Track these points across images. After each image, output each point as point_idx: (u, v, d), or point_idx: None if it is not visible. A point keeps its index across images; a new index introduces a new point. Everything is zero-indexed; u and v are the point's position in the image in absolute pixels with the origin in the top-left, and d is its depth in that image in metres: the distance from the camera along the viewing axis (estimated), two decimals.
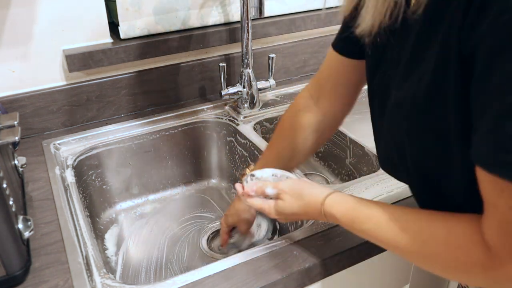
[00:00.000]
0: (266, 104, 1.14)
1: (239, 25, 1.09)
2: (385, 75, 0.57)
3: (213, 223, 1.02)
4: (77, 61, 0.98)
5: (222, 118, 1.10)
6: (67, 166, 0.92)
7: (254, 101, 1.10)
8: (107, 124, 1.05)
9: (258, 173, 0.73)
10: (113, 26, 1.04)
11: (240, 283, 0.64)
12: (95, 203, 1.01)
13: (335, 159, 1.10)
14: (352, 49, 0.66)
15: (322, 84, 0.76)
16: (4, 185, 0.63)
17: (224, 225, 0.89)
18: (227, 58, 1.16)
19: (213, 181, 1.15)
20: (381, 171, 0.89)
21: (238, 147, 1.08)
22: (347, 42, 0.66)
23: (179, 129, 1.08)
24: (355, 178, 0.97)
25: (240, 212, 0.86)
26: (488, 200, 0.45)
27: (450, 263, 0.50)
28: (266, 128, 1.12)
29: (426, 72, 0.47)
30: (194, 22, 1.09)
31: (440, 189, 0.53)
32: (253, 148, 1.01)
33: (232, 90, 1.07)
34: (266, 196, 0.68)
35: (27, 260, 0.66)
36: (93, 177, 1.01)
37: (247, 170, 0.78)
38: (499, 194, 0.43)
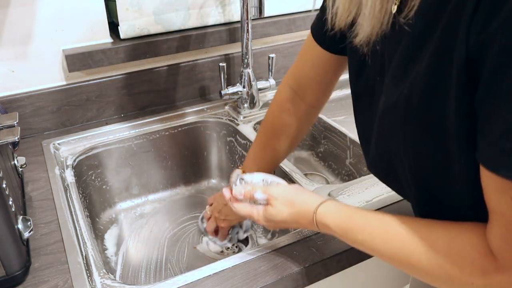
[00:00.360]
0: (266, 104, 1.14)
1: (239, 25, 1.09)
2: (371, 80, 0.56)
3: None
4: (77, 61, 0.98)
5: (222, 118, 1.10)
6: (67, 166, 0.92)
7: (254, 101, 1.10)
8: (107, 124, 1.05)
9: (248, 177, 0.71)
10: (113, 26, 1.04)
11: (240, 283, 0.63)
12: (95, 203, 1.01)
13: (335, 159, 1.10)
14: (337, 46, 0.65)
15: (303, 76, 0.75)
16: (4, 185, 0.63)
17: (221, 224, 0.89)
18: (227, 58, 1.16)
19: (213, 181, 1.15)
20: None
21: (238, 147, 1.08)
22: (331, 39, 0.64)
23: (179, 129, 1.08)
24: (355, 178, 0.97)
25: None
26: (494, 208, 0.43)
27: (453, 275, 0.47)
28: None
29: (420, 76, 0.45)
30: (194, 22, 1.09)
31: (438, 196, 0.51)
32: None
33: (232, 90, 1.07)
34: (255, 201, 0.66)
35: (26, 260, 0.66)
36: (93, 177, 1.01)
37: (235, 173, 0.76)
38: (507, 201, 0.41)
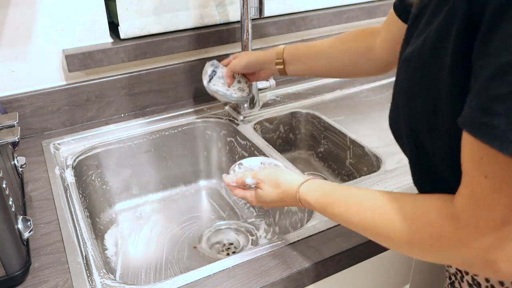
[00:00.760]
0: (266, 104, 1.14)
1: (239, 25, 1.09)
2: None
3: (213, 223, 1.02)
4: (77, 61, 0.98)
5: (222, 118, 1.10)
6: (67, 166, 0.92)
7: (254, 101, 1.10)
8: (107, 124, 1.05)
9: (246, 161, 0.75)
10: (113, 26, 1.04)
11: (240, 283, 0.64)
12: (95, 203, 1.01)
13: (335, 159, 1.10)
14: (405, 13, 0.67)
15: (379, 33, 0.78)
16: (4, 185, 0.63)
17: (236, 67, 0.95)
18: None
19: (213, 181, 1.15)
20: (381, 171, 0.89)
21: (238, 147, 1.08)
22: (402, 4, 0.67)
23: (179, 129, 1.08)
24: (355, 178, 0.97)
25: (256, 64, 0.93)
26: (466, 170, 0.44)
27: (417, 239, 0.48)
28: (266, 128, 1.12)
29: (434, 30, 0.47)
30: (194, 22, 1.09)
31: (428, 154, 0.51)
32: (253, 149, 1.01)
33: None
34: (248, 186, 0.70)
35: (26, 260, 0.66)
36: (93, 177, 1.01)
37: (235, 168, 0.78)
38: (476, 161, 0.41)
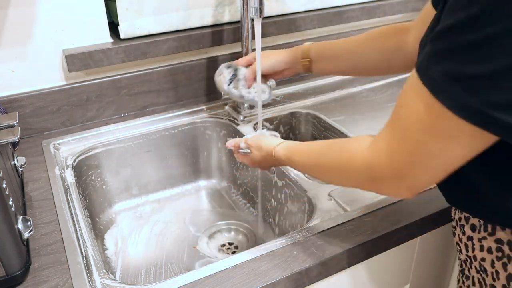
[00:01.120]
0: (266, 104, 1.14)
1: (239, 25, 1.09)
2: None
3: (213, 223, 1.02)
4: (77, 61, 0.98)
5: (222, 118, 1.10)
6: (67, 166, 0.92)
7: None
8: (107, 124, 1.05)
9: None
10: (113, 26, 1.04)
11: (240, 283, 0.63)
12: (95, 203, 1.01)
13: None
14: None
15: (413, 26, 0.79)
16: (4, 185, 0.63)
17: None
18: (227, 58, 1.15)
19: (213, 181, 1.15)
20: None
21: None
22: None
23: (179, 129, 1.08)
24: None
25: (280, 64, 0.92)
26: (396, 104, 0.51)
27: (342, 168, 0.60)
28: (266, 128, 1.12)
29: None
30: (194, 22, 1.09)
31: None
32: None
33: None
34: (242, 149, 0.81)
35: (26, 260, 0.66)
36: (93, 177, 1.01)
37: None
38: (401, 94, 0.49)
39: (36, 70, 0.98)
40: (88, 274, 0.66)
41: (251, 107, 1.11)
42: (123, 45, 1.01)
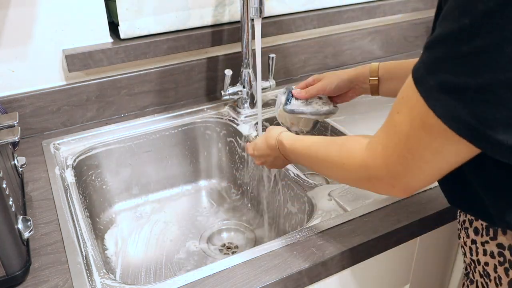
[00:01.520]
0: (266, 104, 1.14)
1: (239, 25, 1.09)
2: None
3: (213, 223, 1.02)
4: (77, 61, 0.98)
5: (222, 118, 1.10)
6: (67, 166, 0.92)
7: (254, 101, 1.10)
8: (107, 124, 1.05)
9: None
10: (113, 26, 1.04)
11: (240, 283, 0.64)
12: (95, 203, 1.01)
13: None
14: None
15: None
16: (4, 185, 0.63)
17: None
18: (227, 58, 1.16)
19: (213, 181, 1.15)
20: None
21: (238, 147, 1.08)
22: None
23: (179, 129, 1.08)
24: None
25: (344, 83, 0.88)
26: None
27: (340, 164, 0.61)
28: (266, 128, 1.12)
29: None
30: (194, 22, 1.09)
31: None
32: None
33: (232, 90, 1.07)
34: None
35: (27, 260, 0.66)
36: (93, 177, 1.01)
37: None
38: (398, 99, 0.50)
39: (36, 70, 0.98)
40: (88, 274, 0.66)
41: (251, 106, 1.11)
42: (123, 45, 1.01)
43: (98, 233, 0.97)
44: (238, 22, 1.13)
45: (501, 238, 0.55)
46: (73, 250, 0.70)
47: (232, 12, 1.12)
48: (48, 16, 0.95)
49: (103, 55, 1.00)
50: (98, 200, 1.03)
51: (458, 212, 0.65)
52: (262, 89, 1.11)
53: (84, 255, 0.70)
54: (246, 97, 1.09)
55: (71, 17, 0.97)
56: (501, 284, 0.57)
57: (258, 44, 0.85)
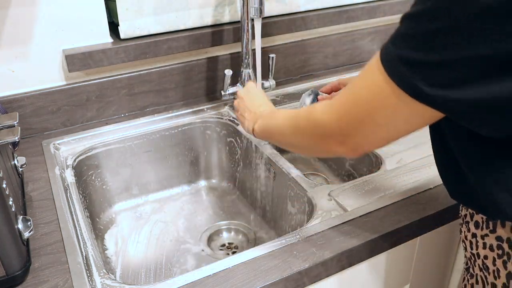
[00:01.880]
0: None
1: (239, 25, 1.09)
2: None
3: (213, 223, 1.02)
4: (77, 61, 0.98)
5: (222, 118, 1.10)
6: (67, 166, 0.92)
7: None
8: (107, 124, 1.05)
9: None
10: (113, 26, 1.04)
11: (240, 283, 0.63)
12: (95, 203, 1.01)
13: (335, 159, 1.10)
14: None
15: None
16: (4, 185, 0.63)
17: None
18: (227, 58, 1.16)
19: (213, 181, 1.15)
20: (381, 171, 0.89)
21: (238, 147, 1.08)
22: None
23: (179, 129, 1.08)
24: (355, 178, 0.97)
25: None
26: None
27: (301, 123, 0.65)
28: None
29: None
30: (194, 22, 1.09)
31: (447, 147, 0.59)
32: (253, 148, 1.01)
33: (232, 90, 1.07)
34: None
35: (27, 260, 0.66)
36: (93, 177, 1.01)
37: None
38: (367, 67, 0.53)
39: (36, 70, 0.98)
40: (88, 274, 0.66)
41: None
42: (123, 45, 1.01)
43: (98, 233, 0.97)
44: (238, 22, 1.13)
45: (500, 231, 0.56)
46: (73, 250, 0.70)
47: (232, 12, 1.12)
48: (48, 16, 0.95)
49: (103, 55, 1.00)
50: (98, 200, 1.03)
51: (460, 206, 0.65)
52: (262, 89, 1.11)
53: (84, 255, 0.70)
54: None
55: (71, 17, 0.97)
56: (499, 277, 0.57)
57: (258, 44, 0.85)
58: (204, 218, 1.05)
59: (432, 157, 0.63)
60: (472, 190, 0.56)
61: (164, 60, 1.10)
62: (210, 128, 1.11)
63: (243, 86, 1.08)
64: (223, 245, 0.98)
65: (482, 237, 0.59)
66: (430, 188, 0.80)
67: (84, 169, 0.98)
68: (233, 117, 1.10)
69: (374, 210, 0.76)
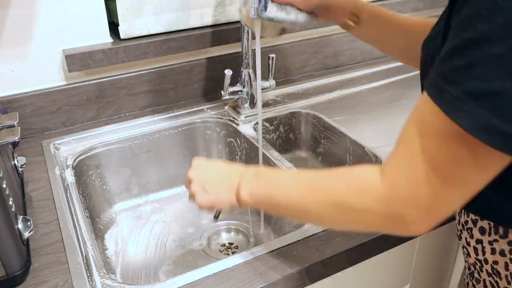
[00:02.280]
0: (266, 104, 1.14)
1: (239, 25, 1.09)
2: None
3: (213, 223, 1.02)
4: (77, 61, 0.98)
5: (222, 118, 1.10)
6: (67, 166, 0.92)
7: (254, 101, 1.10)
8: (107, 124, 1.05)
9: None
10: (113, 26, 1.04)
11: (240, 283, 0.64)
12: (95, 203, 1.01)
13: (335, 159, 1.10)
14: None
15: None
16: (4, 185, 0.63)
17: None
18: (227, 58, 1.16)
19: None
20: None
21: (238, 147, 1.08)
22: None
23: (179, 129, 1.08)
24: None
25: None
26: (402, 133, 0.48)
27: (352, 205, 0.51)
28: (266, 128, 1.12)
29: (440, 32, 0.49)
30: (194, 22, 1.09)
31: None
32: (253, 148, 1.01)
33: (232, 90, 1.07)
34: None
35: (27, 260, 0.66)
36: (93, 177, 1.01)
37: None
38: (420, 122, 0.45)
39: (36, 70, 0.98)
40: (88, 274, 0.66)
41: (252, 106, 1.10)
42: (123, 45, 1.01)
43: (98, 233, 0.97)
44: (238, 22, 1.13)
45: None
46: (73, 250, 0.70)
47: (232, 12, 1.12)
48: (48, 16, 0.95)
49: (103, 55, 1.00)
50: (98, 200, 1.02)
51: (457, 214, 0.65)
52: (262, 89, 1.11)
53: (84, 255, 0.70)
54: (246, 97, 1.09)
55: (71, 17, 0.97)
56: None
57: (258, 44, 0.85)
58: (204, 218, 1.05)
59: None
60: (484, 201, 0.54)
61: (164, 60, 1.10)
62: (210, 128, 1.11)
63: (243, 86, 1.08)
64: (223, 245, 0.98)
65: (490, 242, 0.58)
66: None
67: (84, 169, 0.98)
68: (233, 117, 1.10)
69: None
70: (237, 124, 1.07)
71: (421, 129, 0.45)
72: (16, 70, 0.97)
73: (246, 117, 1.09)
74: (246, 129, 1.06)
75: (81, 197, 0.88)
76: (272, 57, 1.09)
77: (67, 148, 0.98)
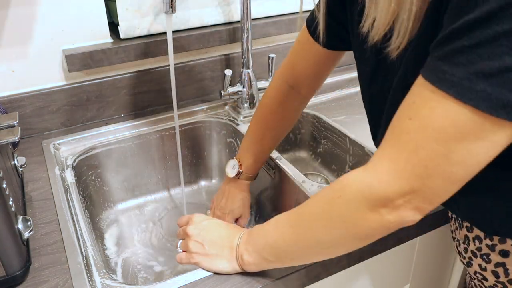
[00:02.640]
0: None
1: (239, 25, 1.09)
2: (385, 80, 0.57)
3: None
4: (77, 61, 0.98)
5: (222, 118, 1.10)
6: (67, 166, 0.92)
7: (254, 101, 1.10)
8: (107, 124, 1.05)
9: None
10: (113, 26, 1.04)
11: (240, 283, 0.63)
12: (95, 203, 1.01)
13: (335, 159, 1.10)
14: (340, 43, 0.72)
15: (301, 73, 0.80)
16: (4, 185, 0.63)
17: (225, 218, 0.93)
18: (227, 58, 1.16)
19: (213, 181, 1.15)
20: None
21: (238, 147, 1.08)
22: (335, 37, 0.71)
23: (179, 129, 1.08)
24: None
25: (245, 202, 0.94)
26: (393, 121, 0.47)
27: (334, 205, 0.51)
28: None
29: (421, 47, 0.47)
30: (194, 22, 1.09)
31: None
32: None
33: (232, 90, 1.07)
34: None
35: (27, 260, 0.66)
36: (93, 177, 1.01)
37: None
38: (416, 105, 0.44)
39: (36, 70, 0.98)
40: (88, 274, 0.66)
41: (252, 106, 1.10)
42: (123, 45, 1.01)
43: (98, 233, 0.97)
44: (238, 22, 1.13)
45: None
46: (73, 250, 0.70)
47: (232, 12, 1.12)
48: (48, 16, 0.95)
49: (103, 55, 1.00)
50: (98, 200, 1.03)
51: (452, 219, 0.65)
52: (262, 89, 1.11)
53: (84, 255, 0.70)
54: (246, 97, 1.09)
55: (71, 17, 0.97)
56: None
57: (170, 39, 0.86)
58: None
59: None
60: (490, 214, 0.54)
61: (164, 60, 1.10)
62: (210, 128, 1.11)
63: (243, 86, 1.08)
64: None
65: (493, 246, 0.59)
66: None
67: (84, 169, 0.98)
68: (233, 117, 1.10)
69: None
70: (237, 124, 1.07)
71: (415, 112, 0.44)
72: (16, 70, 0.97)
73: (246, 117, 1.09)
74: (246, 129, 1.05)
75: (81, 197, 0.88)
76: (272, 57, 1.09)
77: (67, 148, 0.98)
